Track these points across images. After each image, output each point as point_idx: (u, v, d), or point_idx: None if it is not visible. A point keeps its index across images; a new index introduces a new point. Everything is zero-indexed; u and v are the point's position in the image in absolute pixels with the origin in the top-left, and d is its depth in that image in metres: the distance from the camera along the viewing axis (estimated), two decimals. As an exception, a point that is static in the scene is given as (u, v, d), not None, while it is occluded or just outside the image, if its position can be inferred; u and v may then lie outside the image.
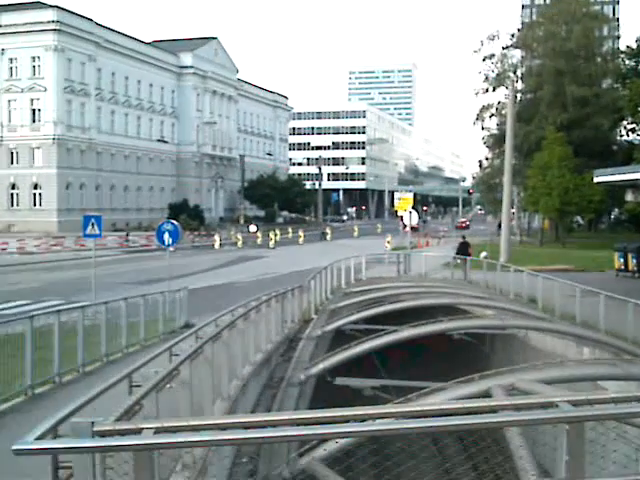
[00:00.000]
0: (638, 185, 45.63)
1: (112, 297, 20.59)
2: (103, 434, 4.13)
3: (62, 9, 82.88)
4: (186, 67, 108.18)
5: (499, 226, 65.25)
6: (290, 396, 16.13)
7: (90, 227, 25.23)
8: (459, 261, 36.80)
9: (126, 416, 5.27)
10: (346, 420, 3.74)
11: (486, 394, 9.65)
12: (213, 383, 10.27)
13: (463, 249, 38.06)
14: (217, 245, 71.75)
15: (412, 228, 44.71)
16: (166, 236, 25.64)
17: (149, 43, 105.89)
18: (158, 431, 3.70)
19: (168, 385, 7.73)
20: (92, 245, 27.98)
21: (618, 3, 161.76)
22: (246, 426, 3.89)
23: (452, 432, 3.67)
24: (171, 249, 27.06)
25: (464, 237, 41.65)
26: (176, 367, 8.02)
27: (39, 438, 4.46)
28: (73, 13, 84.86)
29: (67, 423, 4.97)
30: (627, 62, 74.17)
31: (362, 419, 3.77)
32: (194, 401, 8.68)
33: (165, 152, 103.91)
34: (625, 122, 69.37)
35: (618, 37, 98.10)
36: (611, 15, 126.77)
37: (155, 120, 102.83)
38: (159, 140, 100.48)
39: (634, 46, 71.59)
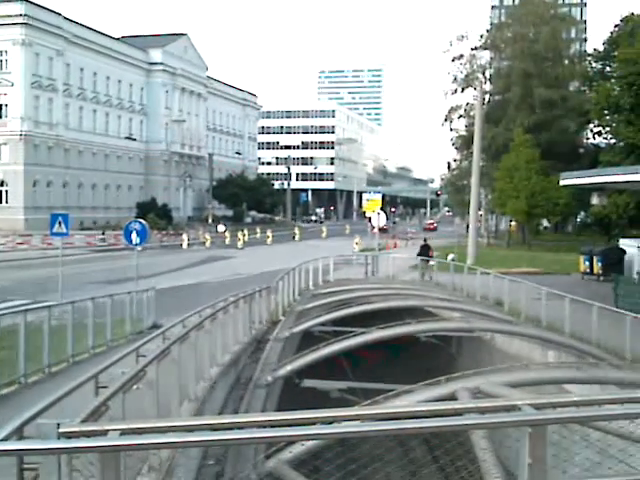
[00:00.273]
0: (603, 189, 46.18)
1: (79, 297, 20.42)
2: (69, 435, 4.11)
3: (31, 3, 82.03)
4: (155, 64, 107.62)
5: (467, 228, 65.60)
6: (257, 398, 16.13)
7: (57, 225, 25.05)
8: (421, 263, 37.50)
9: (92, 417, 5.26)
10: (313, 422, 3.77)
11: (452, 396, 9.74)
12: (180, 384, 10.26)
13: (424, 251, 39.16)
14: (185, 245, 71.48)
15: (381, 229, 44.93)
16: (134, 235, 25.49)
17: (118, 39, 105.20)
18: (124, 432, 3.70)
19: (135, 386, 7.71)
20: (59, 244, 27.78)
21: (585, 5, 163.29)
22: (213, 428, 3.90)
23: (418, 435, 3.71)
24: (139, 248, 26.89)
25: (425, 239, 42.54)
26: (143, 368, 8.00)
27: (4, 439, 4.44)
28: (42, 7, 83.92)
29: (33, 424, 4.95)
30: (594, 65, 74.83)
31: (329, 421, 3.80)
32: (161, 402, 8.66)
33: (133, 150, 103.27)
34: (592, 125, 69.99)
35: (585, 40, 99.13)
36: (578, 17, 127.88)
37: (124, 117, 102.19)
38: (127, 137, 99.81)
39: (601, 49, 72.28)
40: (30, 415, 5.08)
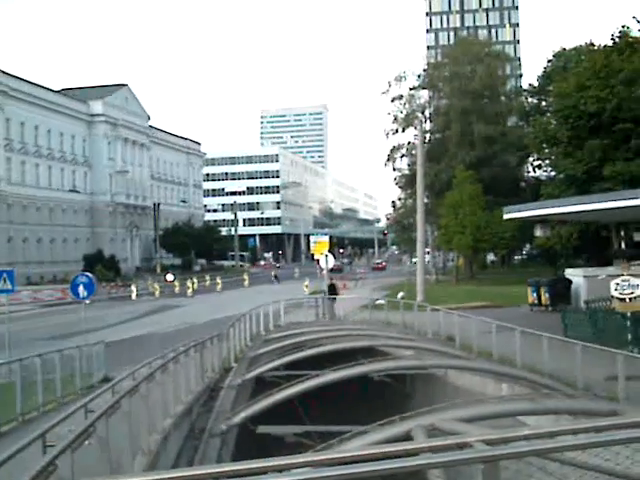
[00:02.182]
0: (547, 220, 46.82)
1: (26, 353, 20.08)
2: (15, 500, 4.00)
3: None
4: (97, 115, 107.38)
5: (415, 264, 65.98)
6: (213, 447, 15.93)
7: (2, 282, 24.68)
8: (328, 301, 39.16)
9: (38, 478, 5.13)
10: (264, 472, 3.71)
11: (407, 435, 9.71)
12: (132, 438, 10.09)
13: (332, 290, 40.70)
14: (134, 296, 70.78)
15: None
16: (81, 289, 25.25)
17: (58, 91, 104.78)
18: (71, 494, 3.62)
19: (87, 442, 7.57)
20: (4, 300, 27.30)
21: (519, 43, 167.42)
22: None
23: (371, 478, 3.68)
24: (87, 302, 26.61)
25: (332, 279, 43.60)
26: (91, 424, 7.86)
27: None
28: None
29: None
30: (530, 100, 76.35)
31: (280, 469, 3.75)
32: (113, 458, 8.50)
33: (78, 202, 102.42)
34: (531, 159, 71.12)
35: (520, 76, 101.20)
36: (512, 54, 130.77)
37: (67, 170, 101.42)
38: (71, 190, 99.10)
39: (536, 84, 73.80)
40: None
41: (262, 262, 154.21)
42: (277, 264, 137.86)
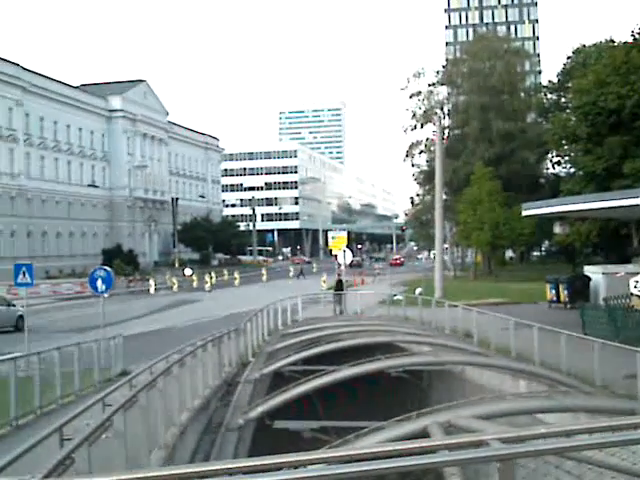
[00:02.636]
0: (565, 217, 46.64)
1: (46, 346, 20.19)
2: (31, 492, 4.02)
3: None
4: (115, 110, 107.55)
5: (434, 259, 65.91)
6: (229, 441, 15.97)
7: (21, 276, 24.82)
8: (335, 297, 40.02)
9: (55, 472, 5.15)
10: (279, 468, 3.72)
11: (424, 432, 9.70)
12: (149, 432, 10.13)
13: (339, 286, 41.28)
14: (152, 290, 70.99)
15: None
16: (99, 283, 25.34)
17: (77, 87, 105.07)
18: (86, 488, 3.63)
19: (104, 436, 7.59)
20: (24, 294, 27.47)
21: (538, 39, 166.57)
22: (179, 477, 3.83)
23: (386, 475, 3.68)
24: (105, 295, 26.71)
25: (339, 275, 43.51)
26: (108, 418, 7.89)
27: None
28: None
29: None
30: (549, 96, 75.97)
31: (295, 465, 3.76)
32: (129, 452, 8.53)
33: (97, 197, 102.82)
34: (550, 155, 70.85)
35: (540, 72, 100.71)
36: (532, 51, 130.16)
37: (86, 165, 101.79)
38: (90, 185, 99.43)
39: (555, 81, 73.46)
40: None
41: (294, 257, 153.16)
42: (307, 259, 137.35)
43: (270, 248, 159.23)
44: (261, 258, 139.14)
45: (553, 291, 37.68)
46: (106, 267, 28.57)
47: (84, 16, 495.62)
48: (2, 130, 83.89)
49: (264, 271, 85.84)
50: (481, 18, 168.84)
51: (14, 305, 40.09)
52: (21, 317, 36.43)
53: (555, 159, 68.99)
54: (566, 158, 60.48)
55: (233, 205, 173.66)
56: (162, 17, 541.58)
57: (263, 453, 4.11)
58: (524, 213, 37.78)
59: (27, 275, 24.82)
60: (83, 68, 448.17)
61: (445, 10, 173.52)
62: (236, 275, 79.44)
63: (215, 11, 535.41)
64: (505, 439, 3.86)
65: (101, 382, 20.81)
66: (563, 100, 69.44)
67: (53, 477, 4.96)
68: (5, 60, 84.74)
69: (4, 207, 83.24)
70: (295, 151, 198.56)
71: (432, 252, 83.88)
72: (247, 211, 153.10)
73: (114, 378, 21.07)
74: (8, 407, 15.51)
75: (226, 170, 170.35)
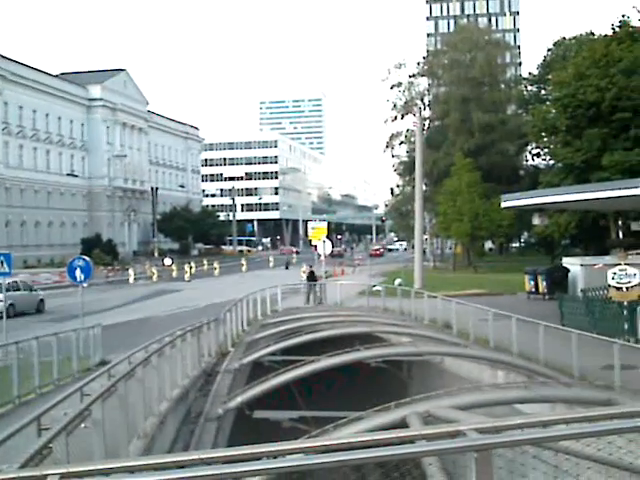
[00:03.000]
0: (545, 209, 46.84)
1: (23, 336, 20.11)
2: (5, 482, 3.99)
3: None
4: (95, 99, 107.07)
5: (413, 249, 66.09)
6: (208, 431, 15.98)
7: (0, 265, 24.68)
8: (308, 287, 40.44)
9: (32, 462, 5.14)
10: (258, 457, 3.72)
11: (402, 422, 9.74)
12: (128, 422, 10.11)
13: (311, 277, 41.90)
14: (132, 280, 70.77)
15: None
16: (78, 272, 25.27)
17: (57, 75, 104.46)
18: (64, 477, 3.59)
19: (82, 425, 7.57)
20: (2, 283, 27.32)
21: (519, 31, 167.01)
22: (156, 467, 3.83)
23: (365, 465, 3.70)
24: (84, 285, 26.63)
25: (311, 266, 44.60)
26: (86, 407, 7.87)
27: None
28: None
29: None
30: (529, 88, 76.32)
31: (274, 455, 3.76)
32: (108, 442, 8.51)
33: (76, 186, 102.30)
34: (530, 147, 71.15)
35: (520, 64, 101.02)
36: (512, 43, 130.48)
37: (65, 154, 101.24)
38: (69, 174, 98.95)
39: (535, 73, 73.73)
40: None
41: (284, 247, 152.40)
42: (296, 249, 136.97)
43: (253, 238, 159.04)
44: (245, 248, 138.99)
45: (532, 282, 37.86)
46: (85, 257, 28.49)
47: (64, 4, 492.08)
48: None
49: (244, 261, 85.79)
50: (462, 9, 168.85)
51: (35, 290, 45.49)
52: (42, 301, 44.24)
53: (535, 151, 69.33)
54: (545, 150, 60.72)
55: (213, 195, 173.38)
56: (143, 6, 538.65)
57: (242, 443, 4.11)
58: (503, 204, 37.90)
59: (5, 265, 24.70)
60: (63, 57, 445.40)
61: (426, 1, 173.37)
62: (216, 265, 79.36)
63: (196, 0, 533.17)
64: (482, 429, 3.88)
65: (80, 372, 20.75)
66: (543, 92, 69.77)
67: (30, 466, 4.95)
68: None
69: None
70: (275, 141, 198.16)
71: (401, 243, 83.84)
72: (227, 201, 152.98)
73: (93, 368, 21.03)
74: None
75: (206, 160, 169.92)
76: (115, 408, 9.34)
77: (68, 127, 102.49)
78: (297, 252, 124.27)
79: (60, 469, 3.62)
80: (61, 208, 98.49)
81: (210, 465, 3.73)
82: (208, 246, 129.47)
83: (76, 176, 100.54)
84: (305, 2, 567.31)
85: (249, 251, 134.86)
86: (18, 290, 41.03)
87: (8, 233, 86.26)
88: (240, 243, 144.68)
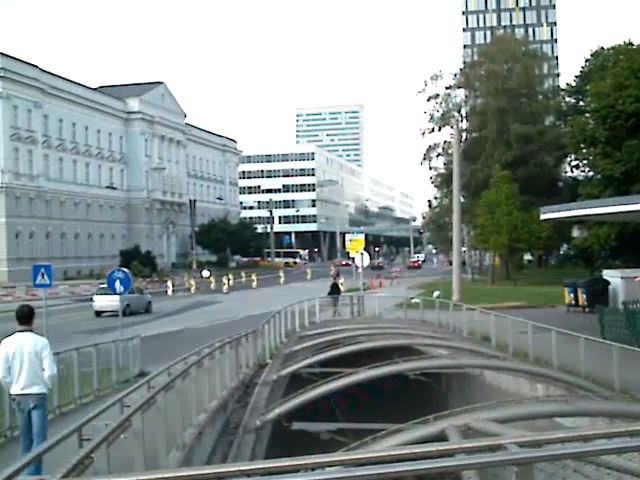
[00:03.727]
0: (584, 221, 46.41)
1: (64, 347, 20.28)
2: (51, 492, 4.04)
3: (7, 56, 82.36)
4: (133, 112, 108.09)
5: (450, 263, 65.80)
6: (247, 443, 15.99)
7: (40, 277, 24.90)
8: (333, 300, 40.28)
9: (74, 472, 5.18)
10: (297, 470, 3.73)
11: (441, 435, 9.68)
12: (167, 433, 10.16)
13: (334, 290, 42.19)
14: (170, 291, 71.12)
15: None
16: (117, 284, 25.46)
17: (95, 89, 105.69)
18: (105, 487, 3.65)
19: (122, 436, 7.63)
20: (43, 295, 27.59)
21: (556, 42, 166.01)
22: (196, 479, 3.85)
23: (403, 478, 3.69)
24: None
25: (334, 278, 45.36)
26: (127, 418, 7.93)
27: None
28: (18, 60, 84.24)
29: (15, 480, 4.86)
30: (567, 99, 75.68)
31: (312, 467, 3.77)
32: (148, 452, 8.57)
33: (115, 198, 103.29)
34: (569, 159, 70.53)
35: (558, 75, 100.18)
36: (550, 54, 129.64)
37: (104, 166, 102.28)
38: (108, 187, 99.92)
39: (573, 84, 73.15)
40: (12, 471, 5.00)
41: (334, 260, 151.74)
42: (342, 262, 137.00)
43: (291, 250, 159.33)
44: (291, 260, 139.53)
45: (571, 295, 37.53)
46: (124, 268, 28.70)
47: (103, 18, 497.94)
48: (21, 132, 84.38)
49: (282, 273, 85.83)
50: (499, 20, 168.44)
51: (144, 293, 53.14)
52: (149, 302, 51.74)
53: (573, 162, 68.60)
54: (584, 161, 60.12)
55: (251, 207, 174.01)
56: (180, 19, 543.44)
57: (280, 455, 4.13)
58: (542, 217, 37.62)
59: (46, 276, 24.91)
60: (101, 70, 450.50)
61: (463, 12, 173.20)
62: (253, 277, 79.54)
63: (234, 13, 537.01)
64: (523, 443, 3.86)
65: (119, 383, 20.88)
66: (581, 103, 69.10)
67: (72, 477, 5.00)
68: (24, 62, 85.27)
69: (23, 208, 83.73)
70: (312, 153, 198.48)
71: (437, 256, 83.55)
72: (264, 213, 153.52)
73: (132, 379, 21.15)
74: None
75: (244, 172, 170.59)
76: (154, 419, 9.40)
77: (107, 140, 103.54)
78: (346, 264, 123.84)
79: (101, 479, 3.66)
80: (100, 220, 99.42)
81: (250, 477, 3.75)
82: (246, 258, 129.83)
83: (115, 188, 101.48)
84: (343, 15, 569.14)
85: (295, 263, 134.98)
86: (132, 293, 43.36)
87: (48, 245, 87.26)
88: (278, 255, 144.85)
